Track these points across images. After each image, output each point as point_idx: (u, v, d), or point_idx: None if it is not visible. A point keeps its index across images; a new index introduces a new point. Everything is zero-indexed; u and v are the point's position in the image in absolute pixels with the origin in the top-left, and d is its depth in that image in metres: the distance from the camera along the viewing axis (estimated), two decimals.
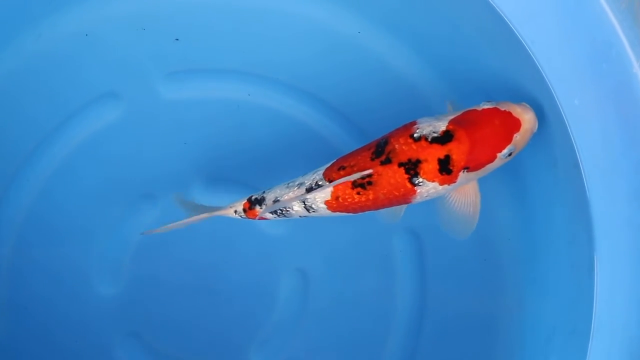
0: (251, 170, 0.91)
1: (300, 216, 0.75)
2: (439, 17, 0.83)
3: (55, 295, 0.90)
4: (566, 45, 0.69)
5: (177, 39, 0.91)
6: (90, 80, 0.90)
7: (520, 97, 0.77)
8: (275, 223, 0.90)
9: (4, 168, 0.90)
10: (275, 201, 0.75)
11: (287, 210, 0.75)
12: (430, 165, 0.67)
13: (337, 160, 0.73)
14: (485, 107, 0.69)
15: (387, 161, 0.69)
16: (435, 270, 0.90)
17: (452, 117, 0.68)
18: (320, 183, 0.72)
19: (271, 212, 0.76)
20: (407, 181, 0.69)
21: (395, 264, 0.90)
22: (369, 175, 0.69)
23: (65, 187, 0.91)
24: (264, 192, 0.77)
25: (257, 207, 0.76)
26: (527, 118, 0.68)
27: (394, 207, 0.74)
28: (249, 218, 0.78)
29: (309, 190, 0.73)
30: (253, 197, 0.77)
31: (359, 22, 0.88)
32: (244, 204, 0.77)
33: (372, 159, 0.70)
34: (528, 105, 0.69)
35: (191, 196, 0.90)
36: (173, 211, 0.89)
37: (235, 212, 0.78)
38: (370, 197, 0.71)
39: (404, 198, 0.70)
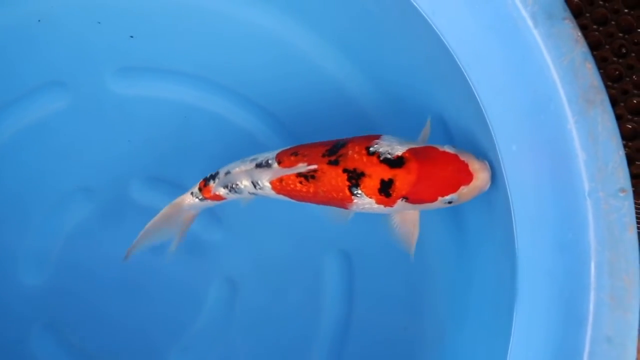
0: (191, 173, 0.89)
1: (250, 192, 0.76)
2: (388, 41, 0.84)
3: None
4: (509, 92, 0.69)
5: (131, 36, 0.90)
6: (39, 66, 0.90)
7: (460, 132, 0.78)
8: (212, 228, 0.90)
9: None
10: (227, 173, 0.76)
11: (237, 185, 0.76)
12: (372, 181, 0.68)
13: (294, 145, 0.74)
14: (447, 150, 0.68)
15: (335, 162, 0.70)
16: (363, 293, 0.90)
17: (413, 146, 0.69)
18: (270, 162, 0.74)
19: (224, 188, 0.77)
20: (347, 188, 0.69)
21: (324, 283, 0.90)
22: (314, 170, 0.70)
23: (3, 168, 0.90)
24: (218, 169, 0.78)
25: (211, 182, 0.78)
26: (480, 176, 0.68)
27: (341, 211, 0.74)
28: (205, 198, 0.79)
29: (259, 166, 0.74)
30: (208, 175, 0.79)
31: (310, 37, 0.89)
32: (199, 183, 0.79)
33: (323, 155, 0.71)
34: (487, 165, 0.69)
35: (130, 193, 0.90)
36: (108, 206, 0.89)
37: (192, 193, 0.80)
38: (311, 190, 0.72)
39: (342, 203, 0.71)
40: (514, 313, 0.71)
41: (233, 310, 0.90)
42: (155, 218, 0.80)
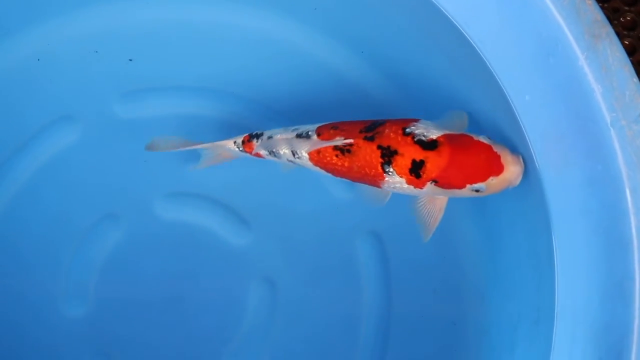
0: (211, 182, 0.92)
1: (288, 160, 0.78)
2: (384, 19, 0.86)
3: (22, 319, 0.89)
4: (513, 44, 0.71)
5: (130, 60, 0.92)
6: (45, 104, 0.91)
7: (471, 97, 0.80)
8: (241, 232, 0.91)
9: None
10: (269, 137, 0.78)
11: (277, 151, 0.78)
12: (404, 160, 0.70)
13: (336, 121, 0.77)
14: (482, 139, 0.70)
15: (371, 139, 0.72)
16: (398, 271, 0.91)
17: (449, 132, 0.70)
18: (310, 134, 0.76)
19: (265, 150, 0.79)
20: (379, 165, 0.71)
21: (359, 267, 0.91)
22: (350, 145, 0.72)
23: (28, 210, 0.91)
24: (264, 130, 0.80)
25: (254, 141, 0.80)
26: (511, 169, 0.69)
27: (378, 192, 0.76)
28: (245, 152, 0.81)
29: (299, 136, 0.76)
30: (253, 133, 0.81)
31: (318, 38, 0.92)
32: (244, 137, 0.81)
33: (361, 131, 0.73)
34: (521, 160, 0.70)
35: (155, 211, 0.91)
36: (137, 229, 0.90)
37: (235, 143, 0.82)
38: (346, 164, 0.74)
39: (374, 180, 0.73)
40: (555, 258, 0.72)
41: (275, 309, 0.91)
42: (196, 146, 0.83)
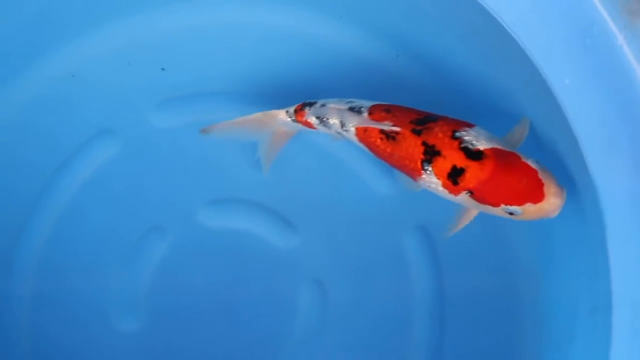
0: (254, 187, 0.91)
1: (337, 131, 0.77)
2: (416, 9, 0.84)
3: (76, 340, 0.90)
4: (546, 26, 0.68)
5: (163, 69, 0.91)
6: (83, 120, 0.91)
7: (510, 82, 0.77)
8: (288, 235, 0.91)
9: (11, 218, 0.90)
10: (322, 105, 0.78)
11: (328, 120, 0.77)
12: (445, 163, 0.68)
13: (392, 104, 0.75)
14: (529, 162, 0.67)
15: (418, 132, 0.70)
16: (449, 262, 0.90)
17: (499, 147, 0.68)
18: (362, 110, 0.75)
19: (316, 118, 0.78)
20: (420, 161, 0.70)
21: (408, 262, 0.90)
22: (396, 133, 0.71)
23: (74, 228, 0.91)
24: (317, 99, 0.80)
25: (307, 109, 0.80)
26: (551, 200, 0.66)
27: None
28: (297, 121, 0.81)
29: (351, 110, 0.75)
30: (306, 101, 0.81)
31: (357, 32, 0.90)
32: (297, 106, 0.81)
33: (411, 122, 0.71)
34: (564, 193, 0.67)
35: (199, 220, 0.91)
36: (182, 240, 0.90)
37: (287, 112, 0.81)
38: (388, 150, 0.73)
39: (412, 173, 0.72)
40: (607, 246, 0.70)
41: (326, 310, 0.90)
42: (247, 116, 0.83)
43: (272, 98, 0.90)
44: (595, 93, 0.67)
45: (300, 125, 0.81)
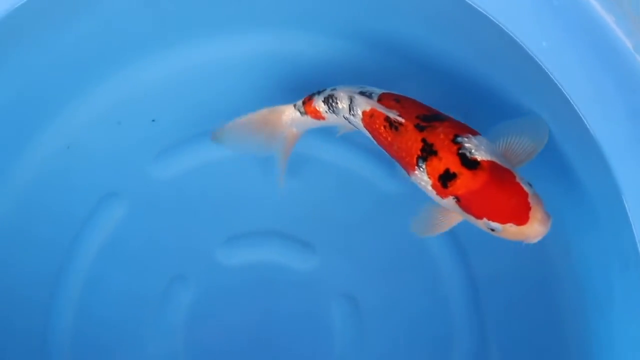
0: (264, 216, 0.92)
1: (344, 116, 0.77)
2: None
3: None
4: None
5: (153, 120, 0.91)
6: (86, 188, 0.91)
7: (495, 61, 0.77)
8: (307, 256, 0.91)
9: (37, 300, 0.90)
10: (333, 89, 0.77)
11: (337, 104, 0.77)
12: (439, 165, 0.67)
13: (403, 95, 0.75)
14: (522, 184, 0.66)
15: (421, 128, 0.69)
16: (474, 246, 0.90)
17: (497, 161, 0.67)
18: (372, 95, 0.74)
19: (324, 103, 0.78)
20: (416, 156, 0.69)
21: (434, 257, 0.90)
22: (400, 123, 0.70)
23: (99, 295, 0.91)
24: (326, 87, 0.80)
25: (315, 96, 0.79)
26: (534, 226, 0.65)
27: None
28: (305, 113, 0.80)
29: (362, 94, 0.75)
30: (315, 91, 0.80)
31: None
32: (305, 97, 0.80)
33: (417, 117, 0.71)
34: (549, 222, 0.65)
35: (219, 261, 0.91)
36: (206, 283, 0.91)
37: (295, 105, 0.81)
38: (389, 139, 0.72)
39: (406, 166, 0.71)
40: (623, 197, 0.70)
41: (362, 322, 0.90)
42: (253, 114, 0.82)
43: None
44: (575, 51, 0.67)
45: (309, 119, 0.81)
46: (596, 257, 0.81)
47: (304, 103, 0.80)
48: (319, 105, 0.78)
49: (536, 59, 0.70)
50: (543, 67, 0.70)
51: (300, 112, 0.81)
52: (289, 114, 0.82)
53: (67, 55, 0.85)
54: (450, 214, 0.71)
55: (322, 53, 0.90)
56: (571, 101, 0.70)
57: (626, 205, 0.70)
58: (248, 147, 0.84)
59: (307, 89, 0.84)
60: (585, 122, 0.70)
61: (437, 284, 0.91)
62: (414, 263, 0.90)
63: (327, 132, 0.90)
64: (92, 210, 0.91)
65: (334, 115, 0.78)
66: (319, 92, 0.79)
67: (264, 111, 0.82)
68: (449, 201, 0.68)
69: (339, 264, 0.91)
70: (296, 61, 0.91)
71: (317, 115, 0.80)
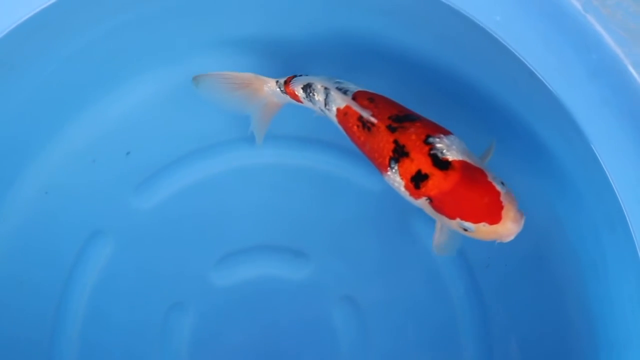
0: (251, 231, 0.92)
1: (320, 108, 0.77)
2: None
3: None
4: None
5: (128, 153, 0.91)
6: (70, 230, 0.91)
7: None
8: (300, 265, 0.91)
9: (37, 343, 0.90)
10: (312, 78, 0.77)
11: (314, 96, 0.76)
12: (411, 166, 0.67)
13: (377, 93, 0.74)
14: (494, 183, 0.65)
15: (393, 130, 0.69)
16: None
17: (469, 161, 0.66)
18: (347, 93, 0.74)
19: (302, 90, 0.77)
20: (388, 157, 0.68)
21: (429, 249, 0.89)
22: (372, 124, 0.70)
23: (99, 330, 0.91)
24: (309, 75, 0.79)
25: (296, 81, 0.78)
26: (507, 225, 0.64)
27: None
28: (285, 92, 0.79)
29: (337, 89, 0.74)
30: (298, 74, 0.79)
31: None
32: (287, 77, 0.80)
33: (389, 117, 0.70)
34: (522, 220, 0.65)
35: (214, 282, 0.91)
36: (205, 307, 0.91)
37: (277, 82, 0.80)
38: (362, 138, 0.72)
39: (379, 167, 0.71)
40: (598, 157, 0.71)
41: (364, 320, 0.90)
42: (239, 73, 0.81)
43: (241, 145, 0.92)
44: (528, 20, 0.68)
45: (288, 97, 0.80)
46: (585, 223, 0.80)
47: (285, 83, 0.80)
48: (298, 90, 0.78)
49: (492, 33, 0.70)
50: (500, 40, 0.70)
51: (281, 90, 0.80)
52: (271, 86, 0.81)
53: (32, 99, 0.84)
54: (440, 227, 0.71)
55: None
56: (535, 71, 0.70)
57: (604, 167, 0.70)
58: (224, 101, 0.83)
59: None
60: (551, 89, 0.70)
61: (433, 273, 0.91)
62: (408, 256, 0.91)
63: (300, 139, 0.91)
64: (80, 250, 0.91)
65: (311, 103, 0.78)
66: (299, 77, 0.78)
67: (250, 75, 0.81)
68: (422, 202, 0.68)
69: (333, 267, 0.91)
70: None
71: (295, 98, 0.79)
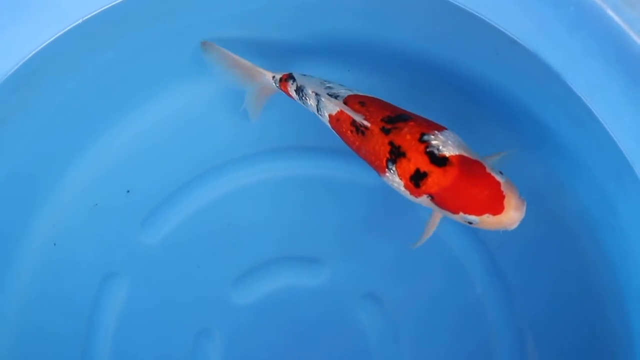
0: (264, 246, 0.92)
1: (313, 112, 0.77)
2: None
3: None
4: None
5: (128, 191, 0.92)
6: (84, 277, 0.91)
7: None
8: (317, 272, 0.92)
9: None
10: (303, 84, 0.78)
11: (306, 100, 0.77)
12: (408, 166, 0.67)
13: (368, 95, 0.74)
14: (494, 174, 0.66)
15: (387, 131, 0.69)
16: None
17: (466, 154, 0.67)
18: (338, 98, 0.74)
19: (296, 93, 0.78)
20: (385, 159, 0.69)
21: (447, 243, 0.91)
22: (366, 127, 0.70)
23: None
24: (304, 75, 0.80)
25: (290, 82, 0.79)
26: (510, 213, 0.65)
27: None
28: (280, 89, 0.81)
29: (328, 95, 0.74)
30: (294, 74, 0.80)
31: None
32: (283, 75, 0.81)
33: (382, 119, 0.70)
34: (524, 207, 0.66)
35: (236, 303, 0.91)
36: (231, 329, 0.92)
37: (273, 77, 0.82)
38: (357, 142, 0.72)
39: (377, 169, 0.71)
40: (590, 107, 0.71)
41: (390, 314, 0.91)
42: (242, 60, 0.83)
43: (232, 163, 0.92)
44: None
45: (282, 91, 0.82)
46: (591, 180, 0.81)
47: (280, 80, 0.81)
48: (292, 91, 0.79)
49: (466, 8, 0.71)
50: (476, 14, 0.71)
51: (276, 86, 0.81)
52: (268, 79, 0.82)
53: (25, 155, 0.84)
54: (433, 218, 0.72)
55: None
56: (516, 39, 0.71)
57: (600, 119, 0.71)
58: (224, 74, 0.84)
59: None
60: (534, 53, 0.71)
61: (449, 258, 0.91)
62: (423, 246, 0.90)
63: (294, 149, 0.92)
64: (96, 294, 0.91)
65: (305, 105, 0.79)
66: (293, 79, 0.79)
67: (249, 63, 0.83)
68: (424, 199, 0.68)
69: (350, 268, 0.91)
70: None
71: (290, 95, 0.80)
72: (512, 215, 0.65)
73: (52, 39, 0.74)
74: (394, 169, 0.68)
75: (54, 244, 0.90)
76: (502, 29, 0.71)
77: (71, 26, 0.74)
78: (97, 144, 0.90)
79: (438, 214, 0.72)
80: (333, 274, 0.91)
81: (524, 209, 0.66)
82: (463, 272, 0.91)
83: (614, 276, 0.81)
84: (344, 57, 0.88)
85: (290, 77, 0.80)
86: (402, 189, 0.69)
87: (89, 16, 0.74)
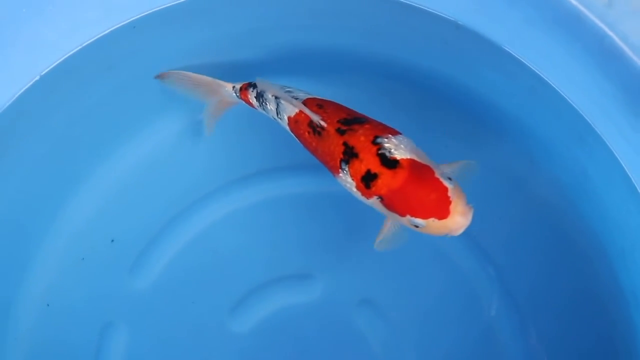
0: (255, 271, 0.93)
1: (273, 117, 0.78)
2: None
3: None
4: None
5: (112, 240, 0.92)
6: (81, 334, 0.91)
7: None
8: (311, 285, 0.92)
9: None
10: (263, 90, 0.78)
11: (267, 106, 0.78)
12: (360, 166, 0.68)
13: (326, 99, 0.75)
14: (442, 180, 0.66)
15: (342, 132, 0.70)
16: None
17: (417, 159, 0.67)
18: (297, 100, 0.75)
19: (256, 100, 0.80)
20: (339, 160, 0.70)
21: (440, 243, 0.91)
22: (322, 128, 0.71)
23: None
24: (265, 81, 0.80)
25: (250, 90, 0.80)
26: (455, 219, 0.65)
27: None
28: (240, 98, 0.82)
29: (287, 98, 0.75)
30: (253, 82, 0.81)
31: None
32: (243, 84, 0.82)
33: (338, 121, 0.71)
34: (470, 214, 0.66)
35: (236, 331, 0.92)
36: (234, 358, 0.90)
37: (233, 87, 0.83)
38: (313, 144, 0.73)
39: (332, 169, 0.72)
40: (553, 84, 0.73)
41: (389, 319, 0.91)
42: (200, 76, 0.83)
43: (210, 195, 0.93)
44: None
45: (243, 102, 0.83)
46: (558, 147, 0.82)
47: (240, 89, 0.82)
48: (252, 99, 0.80)
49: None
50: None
51: (236, 95, 0.82)
52: (228, 90, 0.83)
53: (5, 215, 0.85)
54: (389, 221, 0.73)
55: None
56: (458, 21, 0.73)
57: (553, 85, 0.72)
58: (185, 92, 0.85)
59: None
60: (478, 32, 0.72)
61: (440, 253, 0.92)
62: (409, 244, 0.91)
63: (269, 172, 0.93)
64: (97, 347, 0.91)
65: (265, 111, 0.80)
66: (254, 87, 0.80)
67: (208, 78, 0.84)
68: (374, 201, 0.69)
69: (341, 278, 0.92)
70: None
71: (250, 104, 0.81)
72: (457, 221, 0.65)
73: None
74: (346, 169, 0.69)
75: (48, 305, 0.90)
76: (444, 15, 0.73)
77: (27, 85, 0.75)
78: (75, 200, 0.90)
79: (392, 224, 0.72)
80: (325, 286, 0.92)
81: (470, 215, 0.66)
82: (454, 265, 0.92)
83: (598, 241, 0.82)
84: (302, 69, 0.89)
85: (250, 84, 0.81)
86: (354, 189, 0.70)
87: (45, 71, 0.75)
